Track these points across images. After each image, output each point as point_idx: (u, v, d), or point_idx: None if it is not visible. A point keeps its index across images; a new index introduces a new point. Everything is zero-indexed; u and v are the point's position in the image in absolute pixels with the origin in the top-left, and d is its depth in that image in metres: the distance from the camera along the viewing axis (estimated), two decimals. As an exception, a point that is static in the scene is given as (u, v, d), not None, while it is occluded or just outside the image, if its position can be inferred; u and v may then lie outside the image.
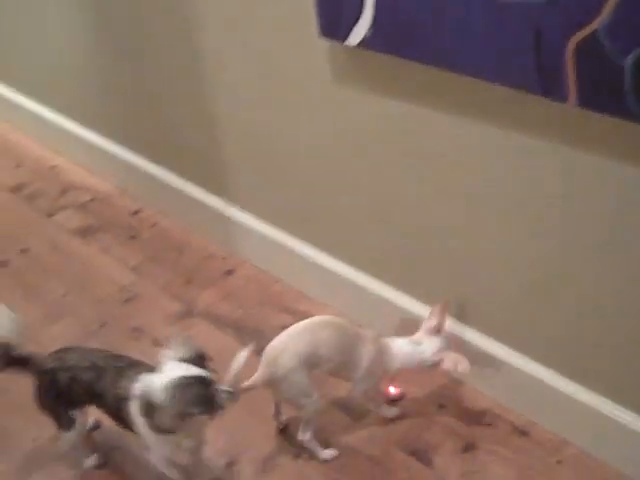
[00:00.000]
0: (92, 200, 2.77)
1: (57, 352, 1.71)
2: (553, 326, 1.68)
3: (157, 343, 2.10)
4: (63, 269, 2.46)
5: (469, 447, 1.78)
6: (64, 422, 1.71)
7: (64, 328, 2.21)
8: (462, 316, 1.86)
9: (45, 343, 1.88)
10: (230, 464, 1.79)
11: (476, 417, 1.85)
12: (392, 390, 1.87)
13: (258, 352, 2.03)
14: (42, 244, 2.57)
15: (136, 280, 2.37)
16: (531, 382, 1.76)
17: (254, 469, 1.78)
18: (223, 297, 2.30)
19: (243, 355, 1.65)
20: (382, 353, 1.73)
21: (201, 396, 1.48)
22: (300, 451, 1.79)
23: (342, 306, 2.16)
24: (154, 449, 1.61)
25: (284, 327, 2.14)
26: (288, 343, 1.71)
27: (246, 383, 1.69)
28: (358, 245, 2.05)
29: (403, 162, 1.77)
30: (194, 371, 1.49)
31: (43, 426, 1.76)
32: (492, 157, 1.58)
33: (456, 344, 1.78)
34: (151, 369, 1.53)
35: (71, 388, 1.64)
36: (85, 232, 2.61)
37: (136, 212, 2.69)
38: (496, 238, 1.67)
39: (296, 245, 2.22)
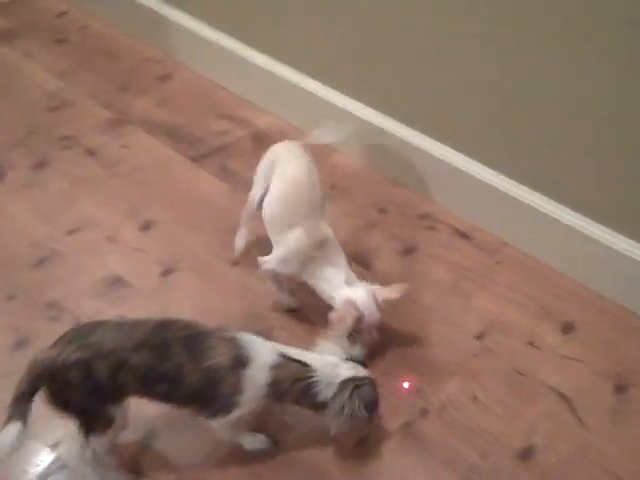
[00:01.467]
0: (13, 1, 2.54)
1: (78, 335, 1.27)
2: (489, 125, 1.61)
3: (89, 152, 2.00)
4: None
5: (410, 250, 1.75)
6: (100, 422, 1.28)
7: None
8: (408, 120, 1.78)
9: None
10: (167, 272, 1.74)
11: (418, 221, 1.81)
12: (406, 385, 1.63)
13: (193, 159, 1.97)
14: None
15: (64, 87, 2.22)
16: (472, 184, 1.71)
17: (193, 275, 1.74)
18: (159, 103, 2.17)
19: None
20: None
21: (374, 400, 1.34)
22: (238, 259, 1.74)
23: (288, 113, 2.05)
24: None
25: (223, 133, 2.07)
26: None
27: None
28: (306, 49, 1.91)
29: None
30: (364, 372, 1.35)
31: None
32: None
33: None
34: (229, 331, 1.31)
35: (115, 379, 1.24)
36: (5, 36, 2.40)
37: (63, 14, 2.48)
38: (444, 40, 1.56)
39: (239, 49, 2.08)
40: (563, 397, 1.48)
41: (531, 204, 1.65)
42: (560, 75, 1.46)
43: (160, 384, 1.27)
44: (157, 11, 2.23)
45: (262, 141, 2.02)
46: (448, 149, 1.74)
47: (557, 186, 1.60)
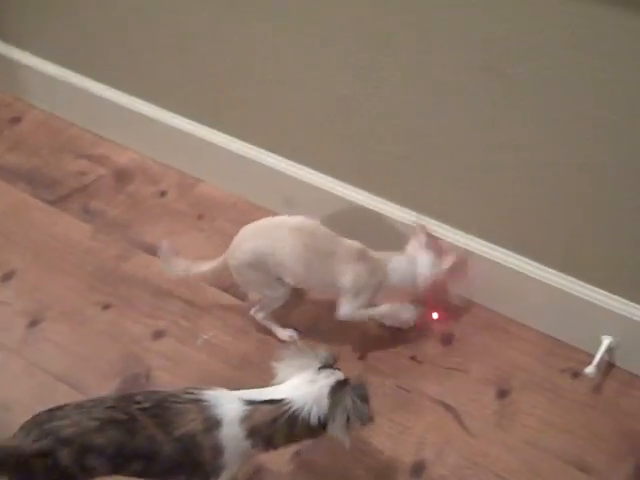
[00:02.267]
0: None
1: (37, 423, 1.17)
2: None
3: None
4: None
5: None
6: None
7: None
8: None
9: None
10: (34, 323, 1.65)
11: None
12: (435, 316, 1.64)
13: (52, 202, 1.88)
14: None
15: None
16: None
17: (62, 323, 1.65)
18: (12, 147, 2.07)
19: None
20: (373, 268, 1.52)
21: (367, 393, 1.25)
22: (108, 299, 1.68)
23: (144, 147, 2.00)
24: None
25: (82, 172, 1.99)
26: (248, 236, 1.53)
27: (203, 268, 1.58)
28: (157, 79, 1.87)
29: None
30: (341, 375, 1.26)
31: None
32: None
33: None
34: (191, 392, 1.22)
35: (82, 464, 1.16)
36: None
37: None
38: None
39: (88, 84, 2.00)
40: (448, 408, 1.50)
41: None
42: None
43: (134, 461, 1.18)
44: (0, 53, 2.14)
45: (124, 178, 1.96)
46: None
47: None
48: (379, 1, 1.39)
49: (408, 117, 1.51)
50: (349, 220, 1.68)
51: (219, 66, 1.71)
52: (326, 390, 1.22)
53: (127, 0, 1.74)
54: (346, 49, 1.48)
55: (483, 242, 1.58)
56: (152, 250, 1.74)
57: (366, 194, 1.68)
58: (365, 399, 1.24)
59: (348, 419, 1.22)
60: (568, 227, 1.46)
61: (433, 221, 1.61)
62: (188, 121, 1.87)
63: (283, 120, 1.70)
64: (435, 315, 1.62)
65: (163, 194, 1.92)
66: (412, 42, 1.40)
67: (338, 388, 1.23)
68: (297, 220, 1.52)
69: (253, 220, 1.55)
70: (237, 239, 1.53)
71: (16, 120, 2.15)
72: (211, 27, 1.64)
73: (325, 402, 1.22)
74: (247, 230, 1.54)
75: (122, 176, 1.97)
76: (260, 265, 1.50)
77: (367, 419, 1.25)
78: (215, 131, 1.84)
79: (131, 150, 2.02)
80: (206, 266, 1.59)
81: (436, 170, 1.55)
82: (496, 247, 1.58)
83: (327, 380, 1.24)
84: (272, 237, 1.50)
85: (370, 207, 1.68)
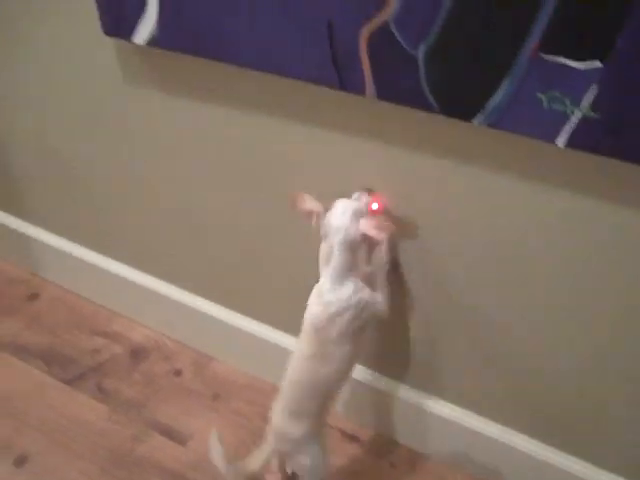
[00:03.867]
0: None
1: None
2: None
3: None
4: None
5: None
6: None
7: None
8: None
9: None
10: None
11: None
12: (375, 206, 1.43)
13: (67, 381, 1.89)
14: None
15: None
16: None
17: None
18: (28, 325, 2.10)
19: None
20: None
21: None
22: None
23: (159, 324, 2.03)
24: None
25: (97, 350, 2.01)
26: None
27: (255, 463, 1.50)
28: (173, 259, 1.92)
29: (205, 167, 1.66)
30: None
31: None
32: (288, 148, 1.50)
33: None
34: None
35: None
36: None
37: None
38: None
39: (102, 262, 2.06)
40: None
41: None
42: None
43: None
44: (18, 230, 2.21)
45: (139, 355, 1.98)
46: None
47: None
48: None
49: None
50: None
51: (234, 250, 1.76)
52: None
53: (141, 181, 1.82)
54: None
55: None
56: (167, 432, 1.73)
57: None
58: None
59: None
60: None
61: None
62: (202, 299, 1.90)
63: (297, 301, 1.73)
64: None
65: (178, 373, 1.93)
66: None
67: None
68: None
69: (269, 401, 1.52)
70: None
71: (34, 297, 2.19)
72: (229, 216, 1.71)
73: None
74: None
75: (137, 354, 1.99)
76: None
77: None
78: (229, 310, 1.87)
79: (146, 327, 2.05)
80: (257, 461, 1.50)
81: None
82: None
83: None
84: None
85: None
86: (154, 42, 1.48)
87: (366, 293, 1.37)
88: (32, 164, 2.02)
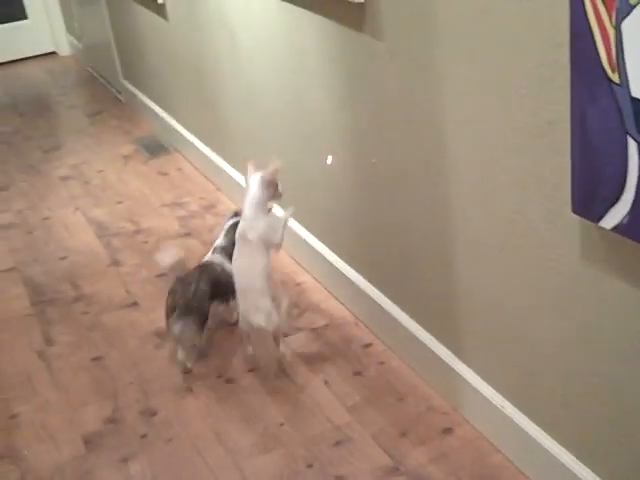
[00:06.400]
0: (326, 326, 2.76)
1: None
2: None
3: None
4: (286, 395, 2.46)
5: None
6: None
7: (271, 460, 2.21)
8: None
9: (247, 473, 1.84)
10: None
11: None
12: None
13: None
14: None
15: (351, 421, 2.31)
16: None
17: None
18: (435, 459, 2.16)
19: None
20: None
21: None
22: None
23: None
24: None
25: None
26: None
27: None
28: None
29: None
30: None
31: None
32: None
33: None
34: None
35: None
36: (315, 359, 2.59)
37: (367, 345, 2.63)
38: None
39: (530, 426, 2.02)
40: None
41: None
42: None
43: None
44: (447, 363, 2.30)
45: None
46: None
47: None
48: None
49: None
50: None
51: None
52: None
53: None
54: None
55: None
56: None
57: None
58: None
59: None
60: None
61: None
62: None
63: None
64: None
65: None
66: None
67: None
68: None
69: None
70: None
71: (448, 431, 2.25)
72: None
73: None
74: None
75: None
76: None
77: None
78: None
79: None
80: None
81: None
82: None
83: None
84: None
85: None
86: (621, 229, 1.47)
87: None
88: (474, 308, 2.09)
